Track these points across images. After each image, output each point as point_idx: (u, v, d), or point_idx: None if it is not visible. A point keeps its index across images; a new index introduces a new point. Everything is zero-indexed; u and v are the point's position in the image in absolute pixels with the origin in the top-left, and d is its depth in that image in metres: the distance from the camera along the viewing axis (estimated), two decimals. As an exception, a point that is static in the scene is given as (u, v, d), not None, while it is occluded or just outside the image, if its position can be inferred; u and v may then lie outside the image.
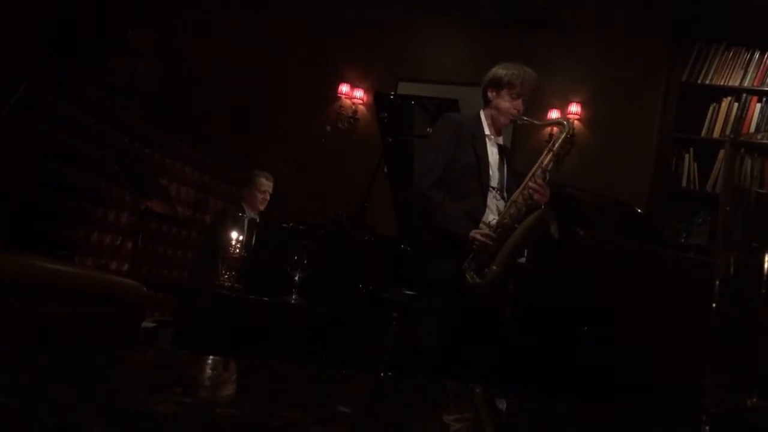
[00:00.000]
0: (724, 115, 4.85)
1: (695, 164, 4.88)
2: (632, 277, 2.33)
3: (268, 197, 4.62)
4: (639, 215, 3.38)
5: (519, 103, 2.80)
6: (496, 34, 5.70)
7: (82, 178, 4.10)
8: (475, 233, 2.58)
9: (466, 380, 0.72)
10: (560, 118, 2.84)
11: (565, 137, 2.76)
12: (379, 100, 3.97)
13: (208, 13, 6.37)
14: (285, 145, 5.91)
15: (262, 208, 4.59)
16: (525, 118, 2.85)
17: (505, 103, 2.79)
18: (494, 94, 2.82)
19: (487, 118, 2.84)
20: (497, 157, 2.81)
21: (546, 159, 2.68)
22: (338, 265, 3.37)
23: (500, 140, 2.89)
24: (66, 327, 1.82)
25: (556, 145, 2.72)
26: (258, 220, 4.42)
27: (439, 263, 2.64)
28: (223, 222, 4.20)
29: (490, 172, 2.75)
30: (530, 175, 2.65)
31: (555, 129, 5.59)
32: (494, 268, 2.56)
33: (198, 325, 3.43)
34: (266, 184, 4.63)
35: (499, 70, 2.82)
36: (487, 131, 2.82)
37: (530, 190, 2.59)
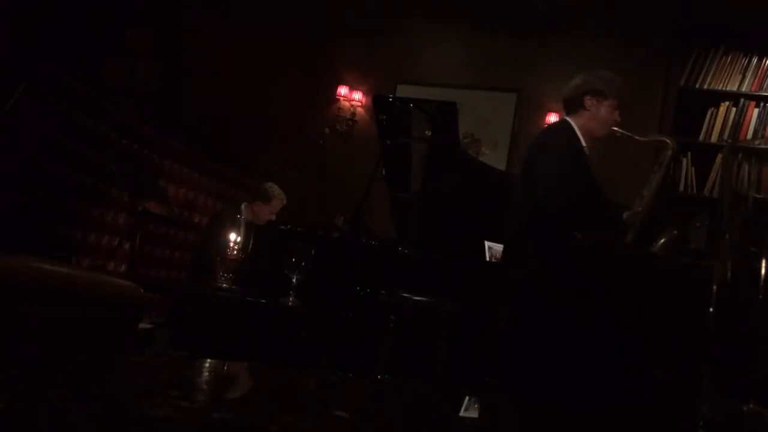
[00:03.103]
0: (722, 120, 4.86)
1: (693, 168, 4.88)
2: (630, 281, 2.33)
3: (273, 218, 4.61)
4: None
5: (617, 114, 2.68)
6: (495, 38, 5.71)
7: (79, 178, 4.09)
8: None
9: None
10: (664, 135, 2.82)
11: (671, 155, 2.71)
12: (377, 103, 3.97)
13: (207, 14, 6.37)
14: (283, 146, 5.91)
15: (262, 223, 4.56)
16: (625, 132, 2.71)
17: (608, 113, 2.66)
18: (594, 102, 2.66)
19: (580, 128, 2.66)
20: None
21: (658, 177, 2.68)
22: (336, 267, 3.37)
23: (587, 150, 2.70)
24: (63, 328, 1.82)
25: (665, 163, 2.71)
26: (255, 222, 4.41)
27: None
28: (220, 223, 4.20)
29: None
30: (652, 193, 2.63)
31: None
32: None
33: (195, 327, 3.43)
34: (278, 207, 4.63)
35: (596, 78, 2.67)
36: (582, 143, 2.66)
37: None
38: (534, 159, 2.63)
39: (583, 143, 2.65)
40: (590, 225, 2.48)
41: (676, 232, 2.55)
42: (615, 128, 2.71)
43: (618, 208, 2.72)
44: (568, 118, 2.71)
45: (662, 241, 2.53)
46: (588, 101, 2.66)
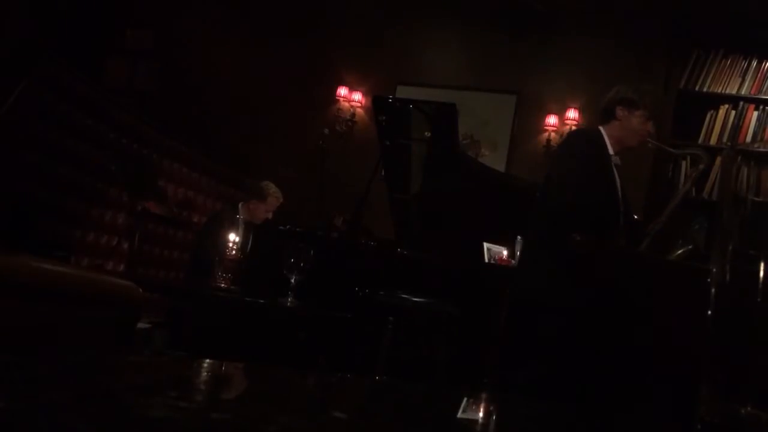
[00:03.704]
0: (721, 123, 4.86)
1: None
2: (629, 283, 2.33)
3: (270, 216, 4.60)
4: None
5: (650, 124, 2.69)
6: (494, 39, 5.71)
7: (79, 178, 4.09)
8: None
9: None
10: (697, 149, 2.88)
11: (703, 169, 2.80)
12: (377, 104, 3.97)
13: (207, 15, 6.37)
14: (283, 146, 5.92)
15: (259, 222, 4.54)
16: (658, 143, 2.74)
17: (639, 123, 2.66)
18: (625, 112, 2.67)
19: (610, 137, 2.67)
20: (619, 181, 2.66)
21: (686, 189, 2.80)
22: (335, 268, 3.37)
23: (618, 160, 2.69)
24: (61, 328, 1.82)
25: (695, 175, 2.82)
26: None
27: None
28: (219, 224, 4.20)
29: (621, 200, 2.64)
30: (676, 204, 2.70)
31: (547, 138, 5.60)
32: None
33: (194, 327, 3.43)
34: (274, 204, 4.62)
35: (629, 89, 2.69)
36: (610, 150, 2.66)
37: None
38: (556, 160, 2.71)
39: (612, 152, 2.66)
40: (605, 230, 2.50)
41: (691, 246, 2.56)
42: (648, 139, 2.72)
43: (638, 222, 2.79)
44: (600, 127, 2.73)
45: (677, 253, 2.54)
46: (619, 111, 2.68)
